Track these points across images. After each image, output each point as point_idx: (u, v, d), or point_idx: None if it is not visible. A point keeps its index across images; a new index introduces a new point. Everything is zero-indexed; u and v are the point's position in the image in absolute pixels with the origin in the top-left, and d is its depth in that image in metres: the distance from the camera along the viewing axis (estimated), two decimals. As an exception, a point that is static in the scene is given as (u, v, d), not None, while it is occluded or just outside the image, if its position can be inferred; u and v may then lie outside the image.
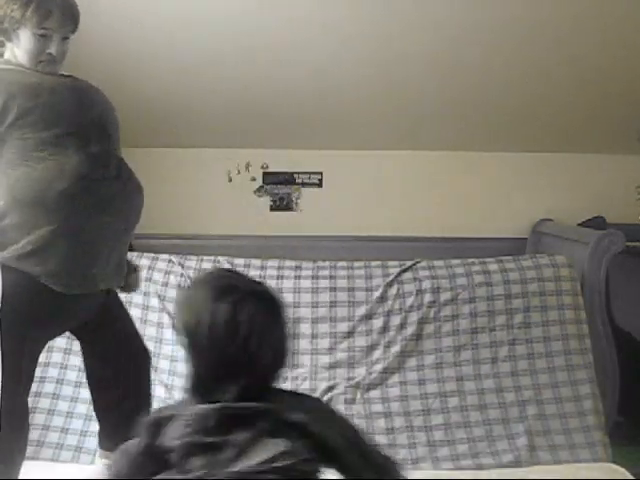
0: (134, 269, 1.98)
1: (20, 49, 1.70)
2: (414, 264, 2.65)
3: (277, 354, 1.22)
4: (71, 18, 1.74)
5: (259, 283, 1.26)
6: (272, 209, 3.10)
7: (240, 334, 1.15)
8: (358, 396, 2.40)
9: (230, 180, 3.07)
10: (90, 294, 1.75)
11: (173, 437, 1.15)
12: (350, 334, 2.51)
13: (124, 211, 1.76)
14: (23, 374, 1.69)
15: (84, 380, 2.32)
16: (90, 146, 1.70)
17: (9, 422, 1.61)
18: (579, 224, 2.95)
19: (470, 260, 2.66)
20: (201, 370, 1.18)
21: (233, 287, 1.20)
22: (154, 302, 2.52)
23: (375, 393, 2.41)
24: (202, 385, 1.19)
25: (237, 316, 1.16)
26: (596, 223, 2.90)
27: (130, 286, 1.97)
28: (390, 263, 2.68)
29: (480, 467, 2.21)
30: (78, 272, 1.68)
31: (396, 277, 2.60)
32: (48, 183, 1.62)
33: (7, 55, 1.75)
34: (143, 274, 2.55)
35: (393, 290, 2.57)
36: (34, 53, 1.69)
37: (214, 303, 1.17)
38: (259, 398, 1.16)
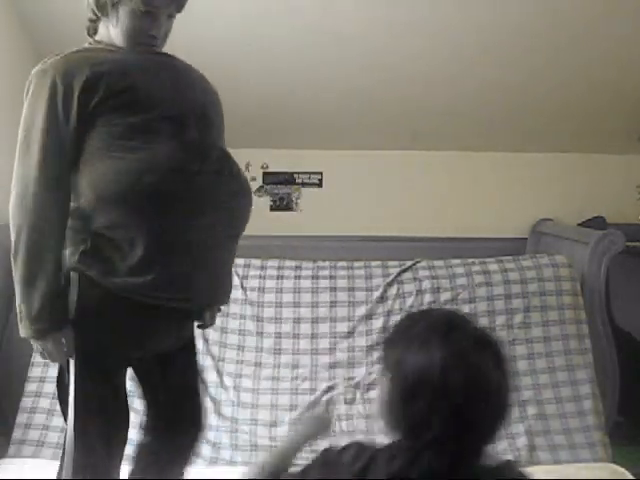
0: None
1: (118, 27, 1.46)
2: (414, 264, 2.65)
3: (502, 412, 1.05)
4: None
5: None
6: (272, 209, 3.10)
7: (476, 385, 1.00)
8: (358, 396, 2.40)
9: (230, 180, 3.07)
10: (181, 315, 1.50)
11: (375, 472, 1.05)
12: (350, 334, 2.51)
13: (227, 214, 1.47)
14: (110, 415, 1.45)
15: (84, 380, 2.34)
16: (186, 134, 1.44)
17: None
18: (579, 224, 2.95)
19: (470, 260, 2.66)
20: (418, 416, 1.00)
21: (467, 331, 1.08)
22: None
23: (375, 393, 2.40)
24: (415, 429, 1.02)
25: (472, 366, 1.01)
26: (596, 223, 2.90)
27: (205, 321, 1.66)
28: (390, 263, 2.68)
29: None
30: (174, 282, 1.40)
31: (396, 277, 2.60)
32: (138, 177, 1.35)
33: (101, 34, 1.52)
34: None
35: (393, 290, 2.57)
36: (134, 33, 1.46)
37: (452, 348, 1.02)
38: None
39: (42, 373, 2.35)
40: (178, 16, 1.52)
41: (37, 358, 2.37)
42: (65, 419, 1.45)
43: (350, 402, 2.39)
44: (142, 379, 1.63)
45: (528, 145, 3.07)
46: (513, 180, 3.13)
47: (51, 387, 2.34)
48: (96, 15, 1.50)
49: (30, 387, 2.33)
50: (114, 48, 1.48)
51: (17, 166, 1.40)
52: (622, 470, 2.12)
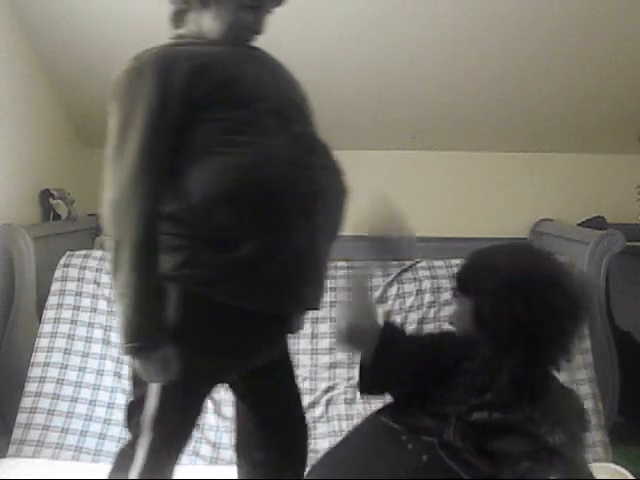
0: None
1: (218, 20, 1.39)
2: (414, 264, 2.65)
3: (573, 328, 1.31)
4: None
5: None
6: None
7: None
8: (358, 396, 2.40)
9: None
10: (283, 321, 1.43)
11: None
12: (350, 334, 2.51)
13: (333, 213, 1.42)
14: (184, 427, 1.39)
15: (84, 380, 2.34)
16: (294, 127, 1.36)
17: None
18: (579, 224, 2.95)
19: (470, 260, 2.66)
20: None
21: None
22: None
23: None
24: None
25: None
26: (596, 223, 2.90)
27: (298, 326, 1.57)
28: (390, 263, 2.68)
29: (480, 467, 2.21)
30: (287, 288, 1.32)
31: (396, 277, 2.60)
32: (252, 172, 1.26)
33: (190, 27, 1.43)
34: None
35: (393, 290, 2.57)
36: (238, 27, 1.39)
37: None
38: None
39: (42, 373, 2.35)
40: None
41: (37, 358, 2.38)
42: (134, 435, 1.36)
43: (350, 402, 2.39)
44: (244, 395, 1.57)
45: (528, 145, 3.07)
46: (513, 180, 3.13)
47: (51, 387, 2.34)
48: (186, 4, 1.41)
49: (30, 387, 2.33)
50: (208, 41, 1.39)
51: (111, 172, 1.27)
52: (622, 470, 2.12)
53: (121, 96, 1.31)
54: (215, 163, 1.27)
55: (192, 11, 1.42)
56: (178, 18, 1.46)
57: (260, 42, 1.48)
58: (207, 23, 1.40)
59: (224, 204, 1.26)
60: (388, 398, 1.59)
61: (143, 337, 1.24)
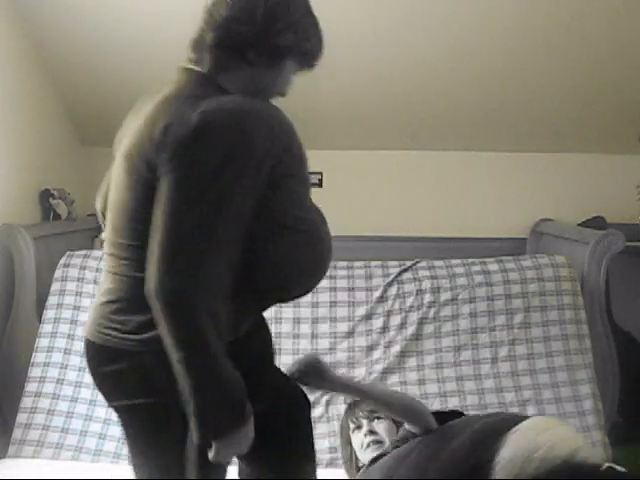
0: None
1: (272, 77, 1.34)
2: (414, 264, 2.65)
3: None
4: None
5: None
6: (272, 209, 3.10)
7: None
8: (358, 396, 2.40)
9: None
10: None
11: None
12: (350, 334, 2.51)
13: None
14: None
15: (84, 380, 2.34)
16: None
17: None
18: (579, 224, 2.95)
19: (470, 260, 2.66)
20: None
21: None
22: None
23: (375, 393, 2.41)
24: None
25: None
26: (596, 223, 2.90)
27: None
28: (390, 263, 2.68)
29: (480, 467, 2.21)
30: None
31: (396, 277, 2.60)
32: (314, 252, 1.36)
33: (235, 77, 1.30)
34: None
35: (393, 290, 2.57)
36: (285, 88, 1.40)
37: None
38: None
39: (42, 373, 2.35)
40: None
41: (37, 358, 2.38)
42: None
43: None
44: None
45: (528, 145, 3.07)
46: (513, 180, 3.12)
47: (51, 387, 2.34)
48: (245, 51, 1.27)
49: (30, 387, 2.33)
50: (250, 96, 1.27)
51: (173, 250, 1.13)
52: (622, 470, 2.12)
53: (193, 157, 1.15)
54: (294, 238, 1.28)
55: (240, 60, 1.29)
56: (220, 64, 1.30)
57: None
58: (256, 78, 1.31)
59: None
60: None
61: (237, 414, 1.20)
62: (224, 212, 1.14)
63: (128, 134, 1.30)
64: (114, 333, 1.27)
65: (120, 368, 1.27)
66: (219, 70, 1.29)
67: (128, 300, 1.27)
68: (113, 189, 1.33)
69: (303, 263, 1.30)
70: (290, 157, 1.25)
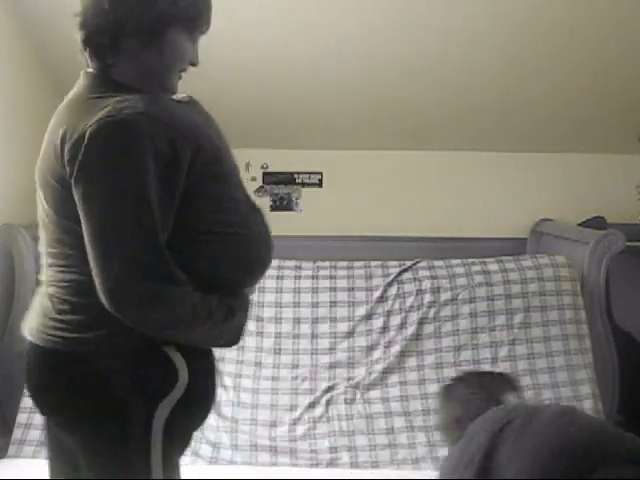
0: None
1: (157, 57, 1.25)
2: (414, 264, 2.65)
3: None
4: None
5: None
6: (272, 209, 3.10)
7: None
8: (358, 396, 2.40)
9: (230, 180, 3.07)
10: None
11: None
12: (350, 334, 2.51)
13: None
14: None
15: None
16: (243, 190, 1.35)
17: None
18: (579, 224, 2.95)
19: (470, 260, 2.66)
20: None
21: None
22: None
23: (375, 393, 2.41)
24: None
25: None
26: (596, 223, 2.90)
27: None
28: (390, 263, 2.68)
29: (480, 467, 2.21)
30: None
31: (396, 277, 2.60)
32: (242, 256, 1.31)
33: (124, 71, 1.25)
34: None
35: (393, 290, 2.57)
36: (180, 64, 1.30)
37: None
38: None
39: (42, 373, 2.35)
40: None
41: (37, 358, 2.37)
42: None
43: (350, 402, 2.39)
44: None
45: (528, 145, 3.07)
46: (513, 180, 3.12)
47: (51, 387, 2.34)
48: (116, 40, 1.20)
49: (30, 387, 2.33)
50: (142, 92, 1.20)
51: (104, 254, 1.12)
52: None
53: (99, 157, 1.11)
54: (216, 244, 1.23)
55: (120, 49, 1.22)
56: (100, 58, 1.23)
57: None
58: (141, 64, 1.23)
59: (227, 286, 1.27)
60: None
61: None
62: (138, 209, 1.12)
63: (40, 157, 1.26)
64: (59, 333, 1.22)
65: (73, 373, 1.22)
66: (107, 66, 1.23)
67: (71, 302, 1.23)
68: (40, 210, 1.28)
69: (237, 265, 1.27)
70: (202, 158, 1.18)
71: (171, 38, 1.23)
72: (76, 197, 1.13)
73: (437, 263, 2.66)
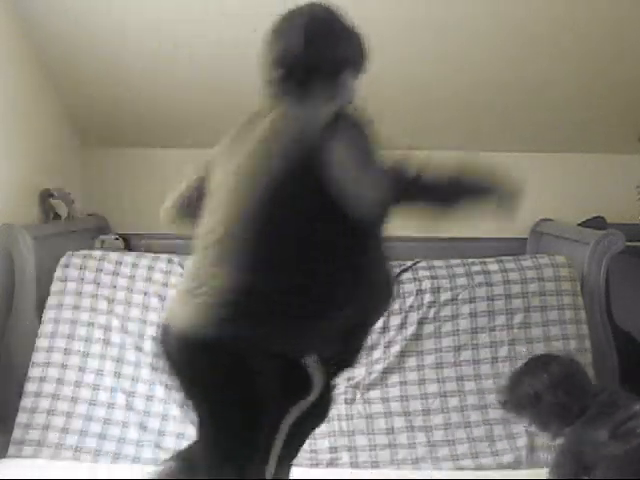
0: None
1: (342, 92, 1.53)
2: (414, 264, 2.65)
3: None
4: None
5: None
6: (272, 209, 3.09)
7: None
8: (358, 396, 2.40)
9: (230, 180, 3.06)
10: None
11: None
12: (350, 334, 2.51)
13: None
14: None
15: (84, 380, 2.34)
16: None
17: None
18: (579, 224, 2.95)
19: (470, 260, 2.66)
20: None
21: None
22: (154, 302, 2.52)
23: (375, 393, 2.41)
24: None
25: None
26: (596, 223, 2.90)
27: None
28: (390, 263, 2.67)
29: (480, 467, 2.21)
30: None
31: (396, 277, 2.59)
32: None
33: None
34: (143, 273, 2.56)
35: (393, 290, 2.57)
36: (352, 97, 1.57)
37: None
38: None
39: (42, 373, 2.35)
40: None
41: (37, 358, 2.38)
42: None
43: (350, 402, 2.39)
44: None
45: (528, 145, 3.07)
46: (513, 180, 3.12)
47: (51, 387, 2.34)
48: (307, 76, 1.37)
49: (30, 387, 2.33)
50: None
51: None
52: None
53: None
54: None
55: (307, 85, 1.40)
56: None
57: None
58: (311, 106, 1.39)
59: None
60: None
61: None
62: None
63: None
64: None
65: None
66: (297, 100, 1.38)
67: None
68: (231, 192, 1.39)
69: None
70: None
71: (343, 78, 1.44)
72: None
73: (437, 263, 2.66)
